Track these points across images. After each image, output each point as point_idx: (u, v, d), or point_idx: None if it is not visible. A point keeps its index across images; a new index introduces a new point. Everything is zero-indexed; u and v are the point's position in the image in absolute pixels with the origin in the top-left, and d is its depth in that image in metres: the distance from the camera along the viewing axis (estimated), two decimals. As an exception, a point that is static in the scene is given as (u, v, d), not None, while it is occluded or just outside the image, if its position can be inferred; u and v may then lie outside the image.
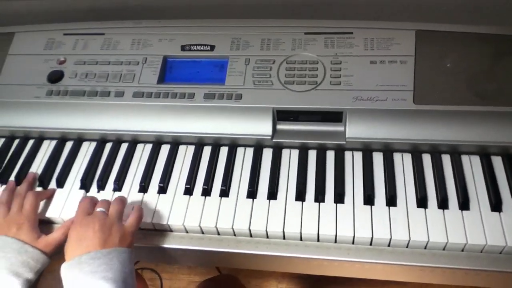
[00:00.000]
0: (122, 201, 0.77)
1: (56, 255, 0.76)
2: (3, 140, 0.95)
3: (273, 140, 0.85)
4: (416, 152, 0.82)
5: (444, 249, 0.74)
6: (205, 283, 1.06)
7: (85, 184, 0.86)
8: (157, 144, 0.90)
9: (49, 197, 0.85)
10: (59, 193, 0.85)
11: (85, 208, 0.74)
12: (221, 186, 0.82)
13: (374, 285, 1.46)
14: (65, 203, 0.84)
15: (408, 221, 0.75)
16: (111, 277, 0.64)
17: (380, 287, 1.45)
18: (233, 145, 0.88)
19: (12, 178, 0.89)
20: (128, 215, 0.76)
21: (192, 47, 0.94)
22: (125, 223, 0.74)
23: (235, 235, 0.79)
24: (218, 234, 0.79)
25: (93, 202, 0.76)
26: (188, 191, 0.82)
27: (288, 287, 1.55)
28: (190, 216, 0.79)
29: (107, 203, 0.76)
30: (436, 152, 0.82)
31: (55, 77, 0.94)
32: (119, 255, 0.68)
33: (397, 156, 0.82)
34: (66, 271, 0.67)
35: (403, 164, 0.82)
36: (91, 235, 0.69)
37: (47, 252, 0.75)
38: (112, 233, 0.70)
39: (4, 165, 0.91)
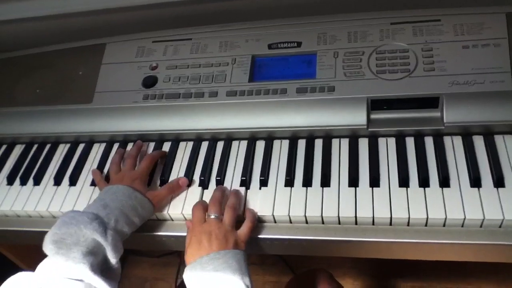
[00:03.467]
0: (235, 209, 0.80)
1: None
2: (104, 145, 1.00)
3: (369, 129, 0.86)
4: (518, 133, 0.82)
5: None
6: (298, 277, 1.07)
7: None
8: (252, 140, 0.92)
9: (162, 157, 0.93)
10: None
11: (199, 216, 0.79)
12: (321, 176, 0.83)
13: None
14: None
15: (518, 201, 0.74)
16: (231, 273, 0.69)
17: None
18: (328, 136, 0.89)
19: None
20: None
21: (279, 45, 0.96)
22: (239, 230, 0.78)
23: (340, 223, 0.80)
24: (323, 223, 0.81)
25: (204, 207, 0.80)
26: (289, 183, 0.84)
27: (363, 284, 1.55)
28: (294, 206, 0.81)
29: (218, 204, 0.80)
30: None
31: (150, 82, 0.98)
32: (235, 255, 0.72)
33: (498, 138, 0.82)
34: (190, 272, 0.71)
35: (506, 145, 0.81)
36: (208, 242, 0.73)
37: (153, 203, 0.82)
38: (228, 241, 0.74)
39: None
